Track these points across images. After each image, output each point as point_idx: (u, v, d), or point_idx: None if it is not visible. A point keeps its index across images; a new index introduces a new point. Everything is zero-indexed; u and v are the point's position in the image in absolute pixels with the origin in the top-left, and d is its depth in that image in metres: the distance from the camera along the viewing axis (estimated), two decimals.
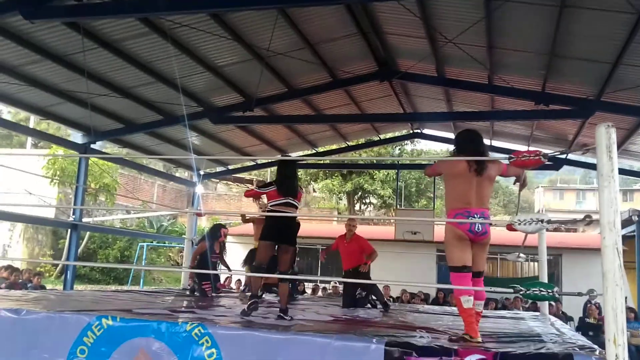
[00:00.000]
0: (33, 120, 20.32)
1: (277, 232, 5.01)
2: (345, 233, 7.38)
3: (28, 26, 7.19)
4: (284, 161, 5.41)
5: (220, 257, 8.25)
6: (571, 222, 3.33)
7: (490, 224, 4.00)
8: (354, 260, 7.18)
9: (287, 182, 5.11)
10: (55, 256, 21.23)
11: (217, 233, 8.12)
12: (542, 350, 3.09)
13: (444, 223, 3.88)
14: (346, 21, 8.48)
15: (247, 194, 5.43)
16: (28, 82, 8.74)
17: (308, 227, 16.49)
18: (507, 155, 3.55)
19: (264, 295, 7.96)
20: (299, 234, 8.41)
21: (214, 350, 3.29)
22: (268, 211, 5.14)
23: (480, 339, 3.57)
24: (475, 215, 3.80)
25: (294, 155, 15.78)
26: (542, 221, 3.07)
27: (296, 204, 5.14)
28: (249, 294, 7.81)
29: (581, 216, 3.08)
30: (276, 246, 5.11)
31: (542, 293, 3.12)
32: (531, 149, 13.10)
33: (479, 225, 3.80)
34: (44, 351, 3.55)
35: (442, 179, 4.32)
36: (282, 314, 4.78)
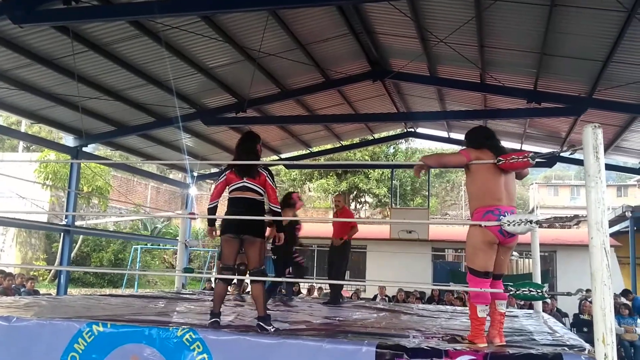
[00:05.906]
0: (24, 124, 20.22)
1: (234, 221, 4.15)
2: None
3: (17, 30, 7.15)
4: (241, 137, 4.53)
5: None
6: (561, 219, 3.33)
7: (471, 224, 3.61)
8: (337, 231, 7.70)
9: (241, 161, 4.32)
10: (48, 260, 21.15)
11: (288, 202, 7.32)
12: (532, 351, 3.09)
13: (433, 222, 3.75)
14: (337, 22, 8.48)
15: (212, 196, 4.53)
16: (18, 86, 8.73)
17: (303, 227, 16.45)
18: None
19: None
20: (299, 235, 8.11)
21: (205, 355, 3.28)
22: (228, 199, 4.32)
23: (486, 345, 3.42)
24: (506, 214, 3.47)
25: (288, 155, 15.77)
26: (530, 222, 3.07)
27: (256, 187, 4.23)
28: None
29: (573, 213, 3.08)
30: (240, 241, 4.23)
31: (532, 293, 3.14)
32: (524, 146, 13.20)
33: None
34: (35, 359, 3.53)
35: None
36: (261, 324, 3.93)
